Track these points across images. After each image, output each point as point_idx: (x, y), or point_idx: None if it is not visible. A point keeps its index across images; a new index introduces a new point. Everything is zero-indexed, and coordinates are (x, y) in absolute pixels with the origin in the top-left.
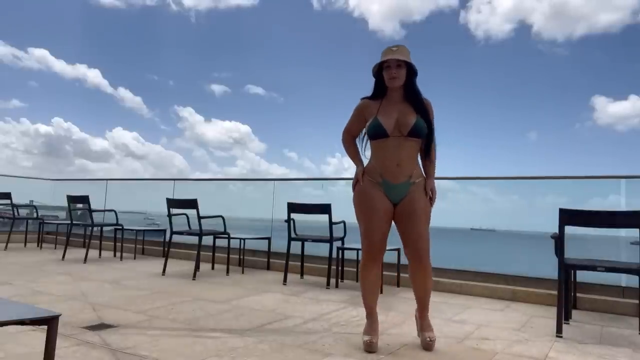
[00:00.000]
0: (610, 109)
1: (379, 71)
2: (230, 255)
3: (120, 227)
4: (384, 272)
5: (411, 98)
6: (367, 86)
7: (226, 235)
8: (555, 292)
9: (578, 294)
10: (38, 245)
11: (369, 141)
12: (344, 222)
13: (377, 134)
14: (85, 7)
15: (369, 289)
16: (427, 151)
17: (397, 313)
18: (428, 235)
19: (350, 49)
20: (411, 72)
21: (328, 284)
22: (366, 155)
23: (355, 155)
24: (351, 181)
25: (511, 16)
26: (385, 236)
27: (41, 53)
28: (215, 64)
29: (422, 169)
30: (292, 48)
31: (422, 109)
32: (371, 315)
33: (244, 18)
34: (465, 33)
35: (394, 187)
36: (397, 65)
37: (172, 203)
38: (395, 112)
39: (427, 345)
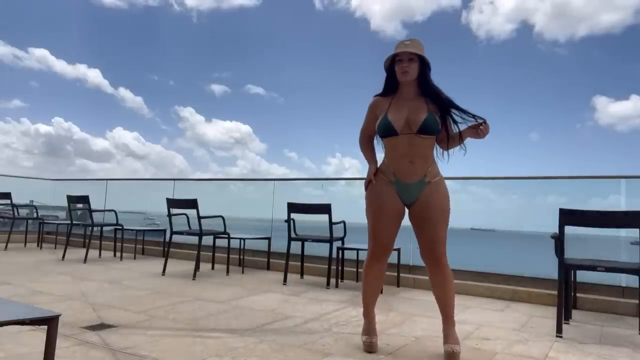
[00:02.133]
0: (612, 109)
1: (391, 65)
2: (230, 255)
3: (120, 227)
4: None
5: (425, 93)
6: (369, 86)
7: (226, 235)
8: (555, 292)
9: (578, 294)
10: (38, 245)
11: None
12: (344, 222)
13: (386, 131)
14: (86, 7)
15: (369, 289)
16: (446, 140)
17: (397, 313)
18: (444, 237)
19: (351, 49)
20: (424, 66)
21: (328, 284)
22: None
23: (370, 156)
24: (351, 181)
25: (513, 16)
26: (392, 237)
27: (41, 53)
28: (216, 64)
29: (438, 168)
30: (294, 48)
31: (437, 101)
32: (368, 315)
33: (246, 18)
34: (467, 33)
35: (407, 186)
36: (409, 58)
37: (172, 203)
38: (406, 109)
39: (450, 357)
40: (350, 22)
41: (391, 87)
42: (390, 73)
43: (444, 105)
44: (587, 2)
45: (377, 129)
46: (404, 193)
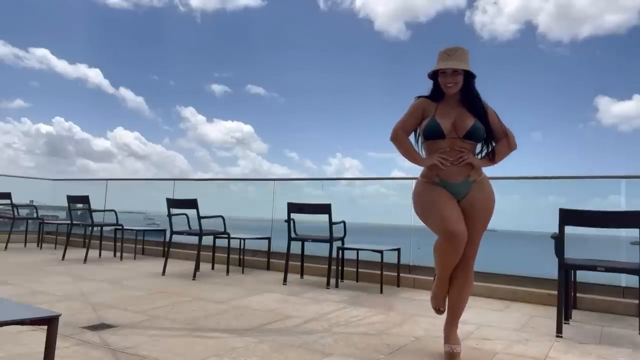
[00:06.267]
0: (614, 109)
1: (435, 74)
2: (230, 255)
3: (120, 227)
4: (384, 272)
5: (468, 102)
6: (371, 86)
7: (226, 235)
8: (555, 292)
9: (578, 294)
10: (38, 245)
11: (422, 144)
12: (344, 222)
13: (433, 134)
14: (88, 7)
15: (443, 261)
16: (492, 153)
17: (397, 313)
18: (480, 239)
19: (354, 49)
20: (469, 76)
21: (328, 284)
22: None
23: (415, 150)
24: (352, 181)
25: (517, 17)
26: (460, 218)
27: (42, 53)
28: (217, 64)
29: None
30: (296, 48)
31: (481, 112)
32: (442, 292)
33: (250, 19)
34: (470, 33)
35: (453, 185)
36: (453, 71)
37: (172, 203)
38: (453, 115)
39: (451, 357)
40: (353, 22)
41: (437, 93)
42: (435, 81)
43: (479, 116)
44: (591, 3)
45: (423, 130)
46: (452, 192)
